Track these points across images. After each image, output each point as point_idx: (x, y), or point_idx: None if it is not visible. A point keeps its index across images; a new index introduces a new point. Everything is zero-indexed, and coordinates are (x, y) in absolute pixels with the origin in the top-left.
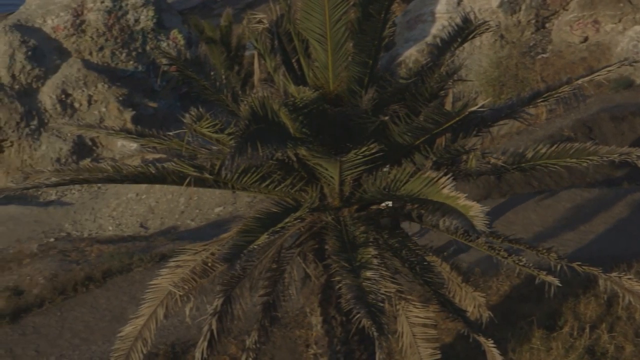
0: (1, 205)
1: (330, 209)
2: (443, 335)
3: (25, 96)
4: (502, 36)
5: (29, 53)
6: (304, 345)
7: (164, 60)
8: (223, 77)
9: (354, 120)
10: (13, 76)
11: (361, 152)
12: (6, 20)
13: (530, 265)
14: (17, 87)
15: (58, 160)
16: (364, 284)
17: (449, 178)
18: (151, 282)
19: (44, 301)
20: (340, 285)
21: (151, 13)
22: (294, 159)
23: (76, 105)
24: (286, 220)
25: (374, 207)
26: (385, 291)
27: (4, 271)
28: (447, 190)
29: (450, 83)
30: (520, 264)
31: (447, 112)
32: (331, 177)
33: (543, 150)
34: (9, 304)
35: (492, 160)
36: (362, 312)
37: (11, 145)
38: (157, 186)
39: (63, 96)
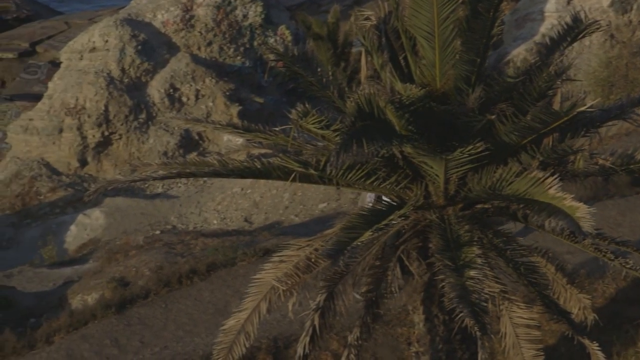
0: (109, 197)
1: (435, 207)
2: (546, 337)
3: (134, 90)
4: (612, 36)
5: (139, 47)
6: (405, 343)
7: (271, 56)
8: (330, 73)
9: (461, 118)
10: (123, 70)
11: (467, 151)
12: (117, 14)
13: (638, 268)
14: (126, 80)
15: (165, 153)
16: (467, 283)
17: (555, 178)
18: (255, 277)
19: (149, 293)
20: (443, 283)
21: (259, 9)
22: (399, 156)
23: (184, 99)
24: (390, 217)
25: (479, 206)
26: (489, 291)
27: (111, 262)
28: (553, 191)
29: (558, 83)
30: (627, 266)
31: (555, 112)
32: (436, 175)
33: None
34: (115, 294)
35: (600, 162)
36: (465, 311)
37: (120, 138)
38: (262, 181)
39: (171, 90)
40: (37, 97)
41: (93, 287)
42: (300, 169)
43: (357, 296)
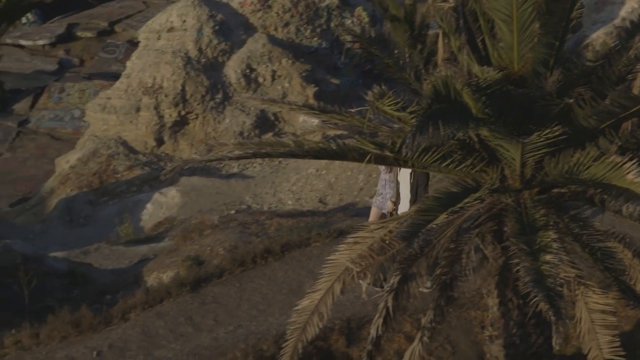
0: (185, 176)
1: (511, 191)
2: (622, 323)
3: (211, 70)
4: None
5: (216, 27)
6: (479, 327)
7: (348, 38)
8: (406, 55)
9: (538, 102)
10: (200, 50)
11: (544, 135)
12: None
13: None
14: (203, 60)
15: (241, 133)
16: (542, 267)
17: (634, 163)
18: (329, 258)
19: (223, 272)
20: (518, 268)
21: None
22: (475, 139)
23: (260, 79)
24: (465, 200)
25: (555, 190)
26: (565, 275)
27: (186, 241)
28: (631, 176)
29: (638, 67)
30: None
31: (634, 96)
32: (512, 158)
33: None
34: (190, 273)
35: None
36: (540, 296)
37: (196, 118)
38: (337, 162)
39: (248, 71)
40: (115, 76)
41: (168, 265)
42: (375, 151)
43: (425, 290)
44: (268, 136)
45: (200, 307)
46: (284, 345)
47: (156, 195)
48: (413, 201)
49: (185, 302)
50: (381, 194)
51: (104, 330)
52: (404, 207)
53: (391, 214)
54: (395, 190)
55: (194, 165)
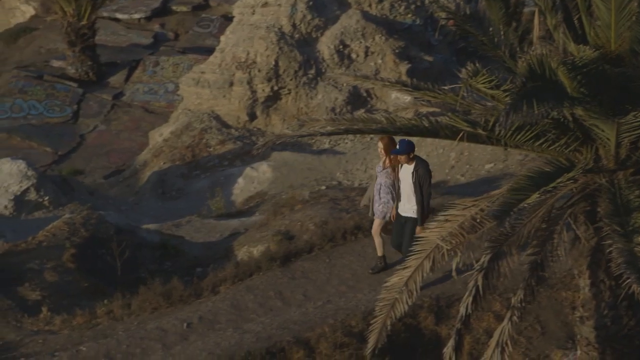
0: (276, 151)
1: (605, 171)
2: None
3: (304, 45)
4: None
5: (310, 3)
6: (569, 308)
7: (442, 14)
8: (501, 32)
9: (635, 81)
10: (294, 25)
11: None
12: None
13: None
14: (297, 36)
15: (333, 109)
16: (636, 249)
17: None
18: (419, 235)
19: (313, 247)
20: (610, 249)
21: None
22: (570, 118)
23: (353, 56)
24: (558, 180)
25: None
26: None
27: (277, 216)
28: None
29: None
30: None
31: None
32: (607, 138)
33: None
34: (280, 247)
35: None
36: (632, 278)
37: (288, 93)
38: (429, 140)
39: (341, 47)
40: (209, 51)
41: (259, 239)
42: (468, 129)
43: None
44: (360, 112)
45: (290, 282)
46: (372, 321)
47: (247, 170)
48: (420, 200)
49: (274, 277)
50: (379, 200)
51: (194, 303)
52: (404, 206)
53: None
54: (392, 194)
55: (286, 140)
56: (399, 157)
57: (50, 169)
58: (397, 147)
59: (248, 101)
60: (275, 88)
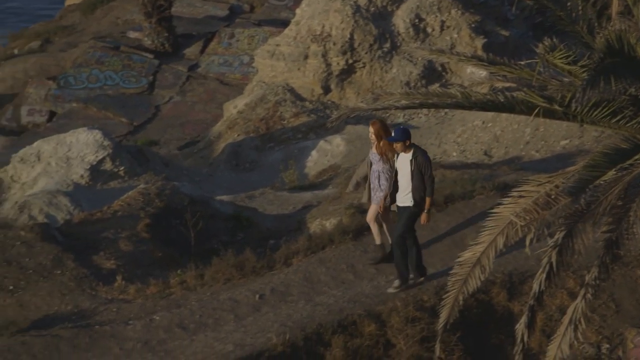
0: (350, 124)
1: None
2: None
3: (379, 19)
4: None
5: None
6: None
7: None
8: (579, 7)
9: None
10: None
11: None
12: None
13: None
14: (372, 9)
15: (407, 83)
16: None
17: None
18: (492, 211)
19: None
20: None
21: None
22: None
23: (428, 30)
24: (635, 157)
25: None
26: None
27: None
28: None
29: None
30: None
31: None
32: None
33: None
34: (352, 221)
35: None
36: None
37: (363, 67)
38: (504, 115)
39: (416, 20)
40: (285, 23)
41: (331, 212)
42: (544, 104)
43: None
44: (435, 87)
45: (362, 255)
46: (444, 296)
47: (321, 143)
48: (420, 187)
49: (347, 250)
50: (378, 187)
51: (266, 274)
52: (401, 195)
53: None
54: (390, 182)
55: (360, 113)
56: (394, 145)
57: (126, 139)
58: (393, 134)
59: (322, 74)
60: (350, 61)
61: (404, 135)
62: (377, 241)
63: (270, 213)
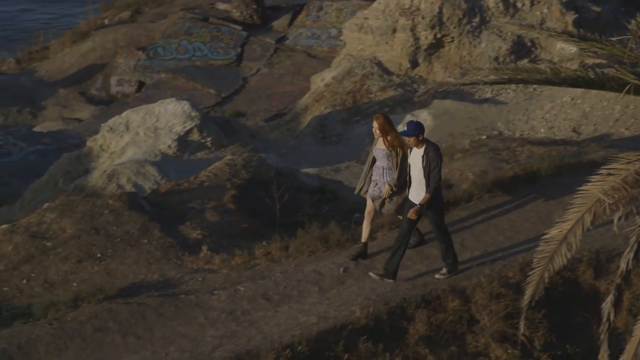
0: (437, 99)
1: None
2: None
3: None
4: None
5: None
6: None
7: None
8: None
9: None
10: None
11: None
12: None
13: None
14: None
15: (496, 58)
16: None
17: None
18: (580, 188)
19: (471, 196)
20: None
21: None
22: None
23: (518, 4)
24: None
25: None
26: None
27: None
28: None
29: None
30: None
31: None
32: None
33: None
34: None
35: None
36: None
37: (452, 41)
38: (593, 92)
39: None
40: None
41: None
42: (635, 81)
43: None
44: (524, 62)
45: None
46: (529, 273)
47: (408, 117)
48: (427, 186)
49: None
50: (377, 182)
51: (351, 248)
52: (414, 192)
53: (387, 198)
54: (403, 175)
55: (448, 88)
56: (407, 139)
57: (213, 110)
58: (405, 128)
59: (410, 48)
60: (439, 36)
61: (416, 130)
62: (364, 239)
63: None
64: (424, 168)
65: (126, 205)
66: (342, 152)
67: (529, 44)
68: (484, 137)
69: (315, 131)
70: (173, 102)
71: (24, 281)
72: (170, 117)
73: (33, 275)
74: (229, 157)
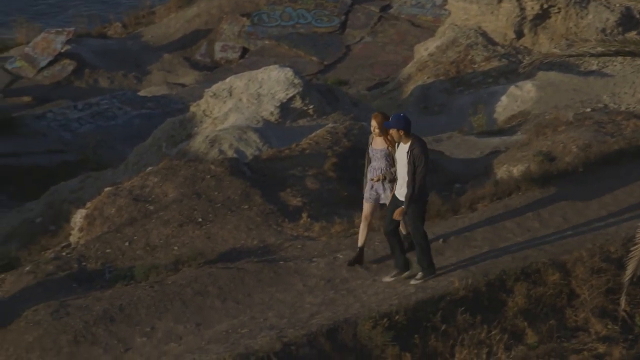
0: (542, 70)
1: None
2: None
3: None
4: None
5: None
6: None
7: None
8: None
9: None
10: None
11: None
12: None
13: None
14: None
15: (603, 30)
16: None
17: None
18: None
19: (575, 170)
20: None
21: None
22: None
23: None
24: None
25: None
26: None
27: (539, 136)
28: None
29: None
30: None
31: None
32: None
33: None
34: (540, 168)
35: None
36: None
37: (558, 12)
38: None
39: None
40: None
41: (519, 159)
42: None
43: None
44: (632, 34)
45: (549, 204)
46: (632, 248)
47: (512, 88)
48: (411, 183)
49: (534, 197)
50: (373, 185)
51: (451, 218)
52: (400, 189)
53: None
54: (387, 167)
55: (553, 59)
56: (390, 132)
57: (316, 78)
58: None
59: (516, 18)
60: (545, 6)
61: (399, 123)
62: (360, 243)
63: (457, 157)
64: (408, 164)
65: (228, 171)
66: (444, 122)
67: (638, 15)
68: (589, 109)
69: (417, 101)
70: (276, 69)
71: (126, 244)
72: (273, 84)
73: (135, 238)
74: (330, 125)
